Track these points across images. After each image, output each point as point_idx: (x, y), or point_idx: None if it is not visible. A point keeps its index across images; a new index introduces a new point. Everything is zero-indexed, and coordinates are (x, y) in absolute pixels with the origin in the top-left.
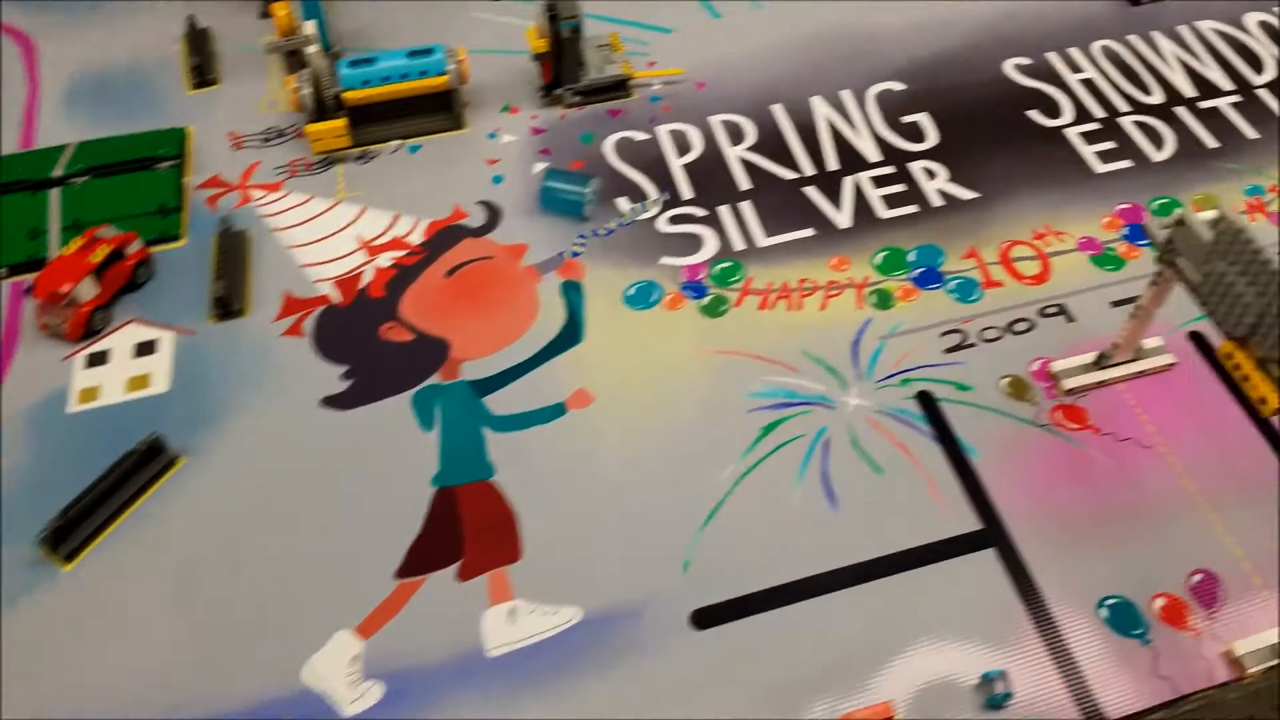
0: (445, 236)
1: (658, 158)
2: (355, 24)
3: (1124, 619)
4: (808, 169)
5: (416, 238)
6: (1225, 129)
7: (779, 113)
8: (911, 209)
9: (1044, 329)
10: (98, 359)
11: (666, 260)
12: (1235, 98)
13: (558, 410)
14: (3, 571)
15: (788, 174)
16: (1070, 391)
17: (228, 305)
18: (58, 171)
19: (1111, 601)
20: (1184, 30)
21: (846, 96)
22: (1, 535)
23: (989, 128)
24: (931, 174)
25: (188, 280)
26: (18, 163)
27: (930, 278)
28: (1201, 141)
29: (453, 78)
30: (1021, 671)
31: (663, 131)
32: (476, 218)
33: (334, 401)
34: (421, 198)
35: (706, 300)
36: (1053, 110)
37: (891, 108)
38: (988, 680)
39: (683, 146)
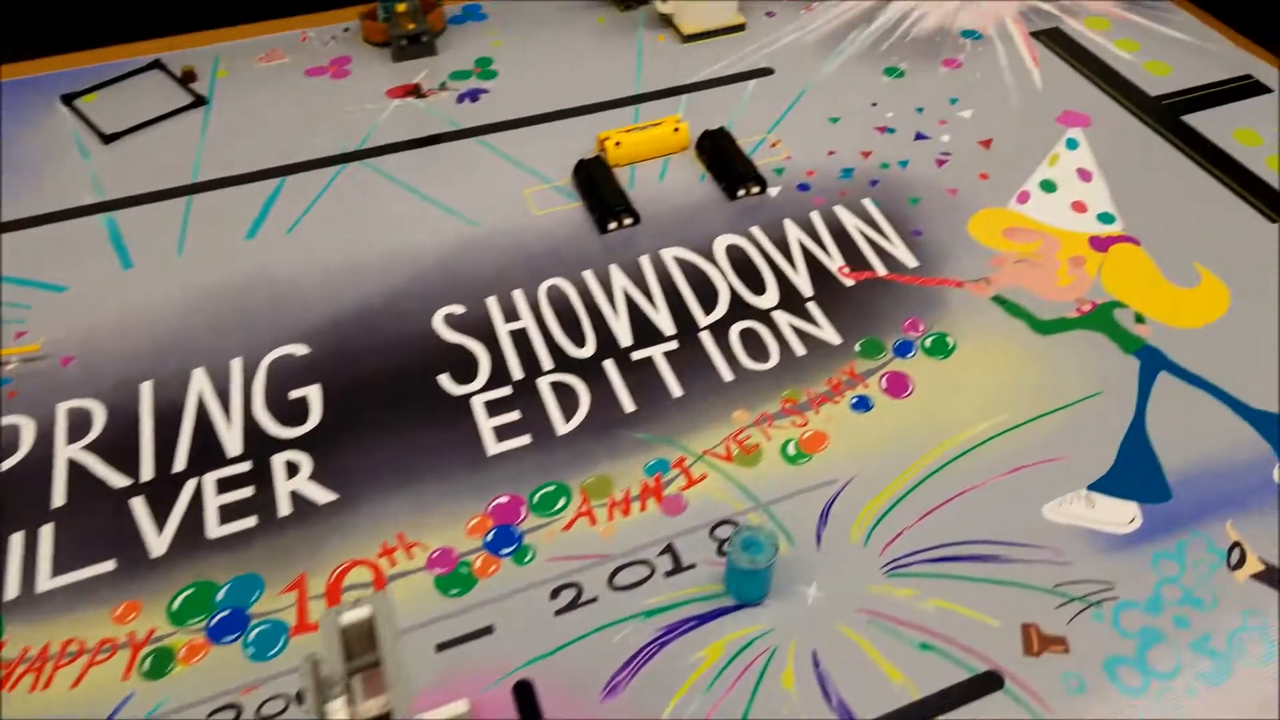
0: None
1: None
2: None
3: None
4: (147, 472)
5: None
6: (645, 385)
7: (145, 392)
8: (249, 522)
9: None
10: None
11: None
12: (671, 344)
13: None
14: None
15: (120, 480)
16: None
17: None
18: None
19: None
20: (644, 260)
21: (236, 366)
22: None
23: (382, 401)
24: (294, 469)
25: None
26: None
27: (232, 624)
28: (620, 405)
29: None
30: None
31: None
32: None
33: None
34: None
35: None
36: (467, 373)
37: (284, 379)
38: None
39: (9, 446)
